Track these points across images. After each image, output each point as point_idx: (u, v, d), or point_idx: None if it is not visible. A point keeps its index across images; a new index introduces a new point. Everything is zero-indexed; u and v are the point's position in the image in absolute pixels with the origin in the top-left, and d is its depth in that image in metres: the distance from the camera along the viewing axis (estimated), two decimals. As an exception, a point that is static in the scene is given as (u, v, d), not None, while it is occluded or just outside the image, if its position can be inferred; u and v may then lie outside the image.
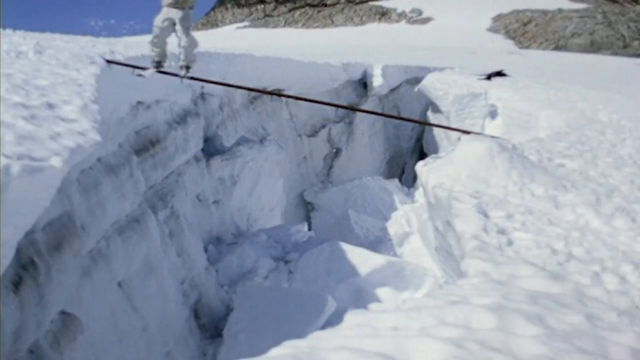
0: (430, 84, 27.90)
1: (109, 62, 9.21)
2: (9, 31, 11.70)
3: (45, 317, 5.22)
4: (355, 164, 29.74)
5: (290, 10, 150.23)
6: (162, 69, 10.65)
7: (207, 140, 14.83)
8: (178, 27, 10.33)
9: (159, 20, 10.51)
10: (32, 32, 11.93)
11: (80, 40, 11.54)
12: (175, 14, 10.39)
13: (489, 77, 27.54)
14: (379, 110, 32.10)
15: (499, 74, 28.44)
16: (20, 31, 11.81)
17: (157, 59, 10.63)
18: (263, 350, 3.91)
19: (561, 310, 4.64)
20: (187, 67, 10.39)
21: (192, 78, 10.47)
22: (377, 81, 31.70)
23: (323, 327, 9.54)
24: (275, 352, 3.86)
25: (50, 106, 5.76)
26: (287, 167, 19.99)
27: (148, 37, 10.57)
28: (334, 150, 28.93)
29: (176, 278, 10.32)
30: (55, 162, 4.49)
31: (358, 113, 30.40)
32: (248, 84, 13.69)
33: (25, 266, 4.90)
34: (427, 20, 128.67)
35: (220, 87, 15.35)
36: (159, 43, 10.62)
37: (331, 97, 27.41)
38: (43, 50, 8.65)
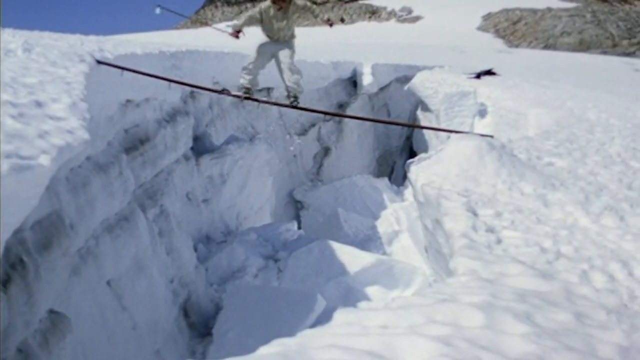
0: (420, 83, 27.92)
1: (99, 62, 9.18)
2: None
3: (34, 316, 5.20)
4: (345, 163, 29.73)
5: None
6: (249, 96, 10.72)
7: (196, 138, 14.82)
8: (281, 60, 10.36)
9: (258, 50, 10.55)
10: (20, 30, 11.86)
11: (69, 38, 11.48)
12: (276, 46, 10.43)
13: (478, 75, 27.59)
14: (368, 108, 32.12)
15: (489, 72, 28.49)
16: (9, 29, 11.75)
17: (247, 85, 10.65)
18: (252, 349, 3.91)
19: (550, 309, 4.66)
20: (295, 98, 10.39)
21: (295, 106, 10.52)
22: (366, 79, 31.69)
23: (313, 326, 9.54)
24: (264, 350, 3.86)
25: (39, 104, 5.73)
26: (277, 165, 19.95)
27: (141, 35, 10.57)
28: (324, 148, 28.90)
29: (165, 277, 10.31)
30: (44, 160, 4.48)
31: (348, 111, 30.36)
32: (237, 82, 13.67)
33: (14, 265, 4.89)
34: (417, 18, 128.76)
35: (211, 85, 15.35)
36: (253, 71, 10.64)
37: (321, 95, 27.42)
38: (31, 48, 8.61)
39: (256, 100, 11.36)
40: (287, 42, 10.67)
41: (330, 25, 10.60)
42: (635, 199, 8.59)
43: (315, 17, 10.65)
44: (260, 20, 10.69)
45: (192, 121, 14.05)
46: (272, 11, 10.43)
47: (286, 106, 11.40)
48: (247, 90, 10.82)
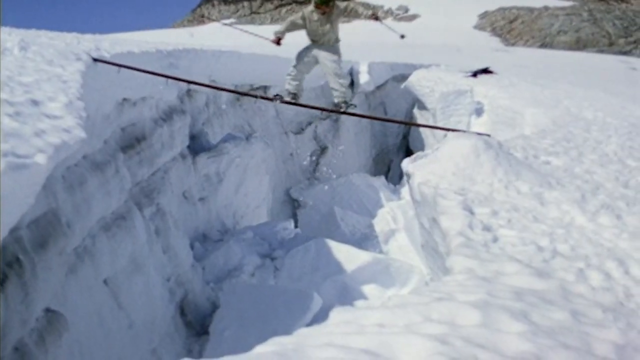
0: (417, 81, 27.93)
1: (95, 60, 9.17)
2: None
3: (30, 314, 5.20)
4: (342, 161, 29.71)
5: (276, 7, 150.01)
6: (296, 102, 10.66)
7: (193, 137, 14.80)
8: (326, 64, 10.28)
9: (301, 54, 10.48)
10: (17, 29, 11.85)
11: (66, 37, 11.48)
12: (321, 51, 10.35)
13: (475, 74, 27.59)
14: (365, 107, 32.09)
15: (485, 71, 28.50)
16: (5, 27, 11.74)
17: (293, 91, 10.58)
18: (249, 348, 3.91)
19: (546, 307, 4.67)
20: (346, 103, 10.31)
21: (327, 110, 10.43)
22: (363, 78, 31.67)
23: (309, 324, 9.56)
24: (260, 349, 3.86)
25: (35, 103, 5.73)
26: (274, 164, 19.95)
27: (136, 34, 10.56)
28: (320, 147, 28.90)
29: (162, 275, 10.30)
30: (40, 159, 4.48)
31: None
32: (234, 81, 13.69)
33: (10, 263, 4.88)
34: (414, 17, 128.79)
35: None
36: (298, 76, 10.58)
37: (317, 94, 27.39)
38: (28, 47, 8.60)
39: (303, 105, 11.26)
40: (332, 45, 10.52)
41: (376, 19, 10.44)
42: (631, 198, 8.60)
43: (359, 16, 10.54)
44: (304, 26, 10.60)
45: (189, 120, 14.04)
46: (315, 16, 10.32)
47: (333, 111, 11.28)
48: (294, 95, 10.70)
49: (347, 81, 10.38)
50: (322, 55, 10.38)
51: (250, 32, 11.95)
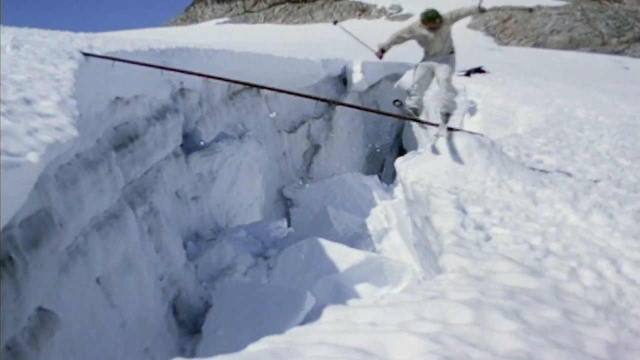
0: (410, 81, 27.93)
1: (86, 54, 9.15)
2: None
3: (22, 313, 5.19)
4: (335, 160, 29.72)
5: (270, 6, 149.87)
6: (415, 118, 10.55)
7: (186, 136, 14.79)
8: (438, 77, 10.17)
9: (418, 69, 10.40)
10: (9, 27, 11.82)
11: (58, 35, 11.47)
12: (435, 62, 10.23)
13: (468, 73, 27.66)
14: (358, 105, 32.15)
15: (479, 70, 28.57)
16: (-2, 26, 11.71)
17: (413, 106, 10.48)
18: (242, 346, 3.91)
19: (538, 306, 4.68)
20: (448, 115, 10.19)
21: (450, 129, 10.26)
22: (356, 77, 31.69)
23: (302, 323, 9.56)
24: (253, 348, 3.85)
25: (27, 101, 5.72)
26: (267, 163, 19.94)
27: (131, 32, 10.50)
28: (314, 146, 28.90)
29: (155, 274, 10.29)
30: (32, 157, 4.47)
31: (338, 109, 30.37)
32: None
33: (3, 262, 4.87)
34: (407, 16, 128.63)
35: (201, 83, 15.32)
36: (419, 92, 10.48)
37: (310, 93, 27.33)
38: (20, 45, 8.59)
39: (420, 121, 11.09)
40: (446, 57, 10.36)
41: (482, 11, 10.25)
42: (623, 197, 8.63)
43: (468, 15, 10.39)
44: (412, 39, 10.47)
45: (182, 118, 14.02)
46: (423, 30, 10.16)
47: (428, 124, 11.14)
48: (415, 110, 10.56)
49: (455, 94, 10.20)
50: (437, 66, 10.22)
51: (357, 37, 11.79)
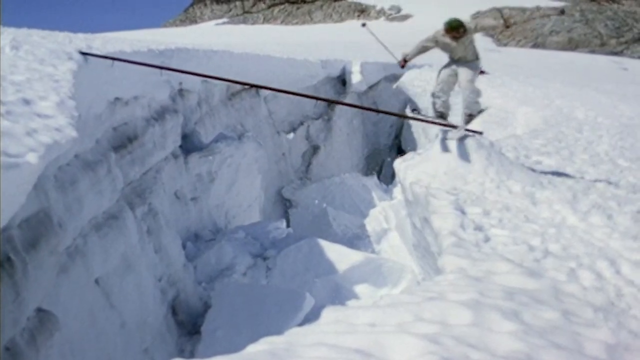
0: (409, 81, 27.93)
1: (83, 54, 9.14)
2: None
3: (21, 314, 5.19)
4: (334, 161, 29.71)
5: (269, 7, 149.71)
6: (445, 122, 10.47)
7: (185, 136, 14.78)
8: (460, 80, 10.11)
9: (442, 73, 10.35)
10: (8, 28, 11.81)
11: (57, 36, 11.46)
12: (458, 66, 10.16)
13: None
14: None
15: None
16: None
17: (440, 110, 10.43)
18: (241, 347, 3.91)
19: (537, 306, 4.68)
20: (470, 116, 10.11)
21: (469, 131, 10.18)
22: (355, 78, 31.67)
23: (301, 324, 9.56)
24: (252, 348, 3.86)
25: (27, 102, 5.72)
26: (266, 164, 19.93)
27: (130, 33, 10.48)
28: (313, 147, 28.90)
29: (154, 275, 10.29)
30: (31, 158, 4.47)
31: (337, 110, 30.37)
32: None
33: (2, 263, 4.87)
34: (406, 17, 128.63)
35: (200, 83, 15.32)
36: (443, 95, 10.42)
37: (309, 94, 27.39)
38: (19, 46, 8.58)
39: (436, 123, 11.01)
40: (470, 62, 10.31)
41: (507, 26, 10.17)
42: (622, 197, 8.64)
43: (492, 29, 10.31)
44: (436, 47, 10.42)
45: (181, 119, 14.01)
46: (447, 40, 10.11)
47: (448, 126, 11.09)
48: (441, 114, 10.50)
49: (478, 96, 10.13)
50: (460, 70, 10.15)
51: (382, 42, 11.73)
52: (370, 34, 12.15)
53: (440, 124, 10.50)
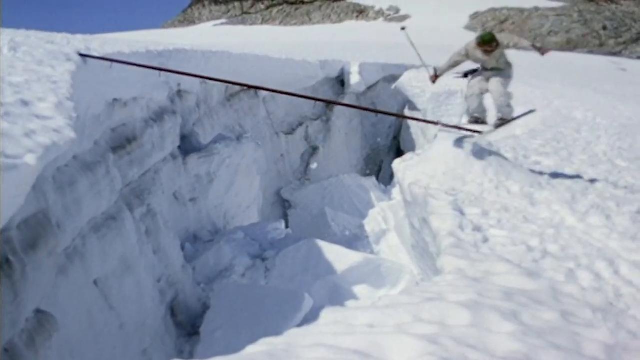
0: (407, 82, 27.93)
1: (82, 55, 9.13)
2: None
3: (20, 315, 5.19)
4: (333, 162, 29.72)
5: (267, 8, 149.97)
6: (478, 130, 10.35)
7: (183, 137, 14.77)
8: (491, 87, 10.02)
9: (473, 80, 10.27)
10: (6, 29, 11.80)
11: (56, 37, 11.44)
12: (491, 73, 10.07)
13: (465, 75, 27.57)
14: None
15: (476, 71, 28.52)
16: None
17: (476, 115, 10.35)
18: (240, 348, 3.91)
19: (536, 307, 4.68)
20: (502, 120, 9.99)
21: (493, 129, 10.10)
22: (354, 79, 31.70)
23: (300, 325, 9.56)
24: (251, 349, 3.86)
25: (25, 103, 5.72)
26: (264, 164, 19.93)
27: (128, 34, 10.46)
28: (311, 147, 28.90)
29: (153, 276, 10.28)
30: (30, 159, 4.47)
31: (335, 110, 30.39)
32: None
33: (0, 264, 4.87)
34: (404, 18, 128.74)
35: (198, 84, 15.31)
36: (477, 99, 10.33)
37: (308, 94, 27.38)
38: (17, 47, 8.57)
39: (458, 128, 10.89)
40: (503, 70, 10.20)
41: (542, 53, 9.99)
42: (621, 198, 8.65)
43: (524, 49, 10.18)
44: (468, 60, 10.33)
45: (180, 120, 14.01)
46: (478, 53, 10.01)
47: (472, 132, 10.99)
48: (477, 119, 10.41)
49: (509, 98, 10.02)
50: (493, 77, 10.05)
51: (418, 52, 11.63)
52: (407, 39, 12.05)
53: (465, 130, 10.42)
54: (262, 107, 23.83)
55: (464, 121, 10.40)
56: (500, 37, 9.94)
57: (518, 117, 10.28)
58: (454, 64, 10.47)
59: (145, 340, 9.33)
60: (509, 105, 9.95)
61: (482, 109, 10.35)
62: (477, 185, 8.74)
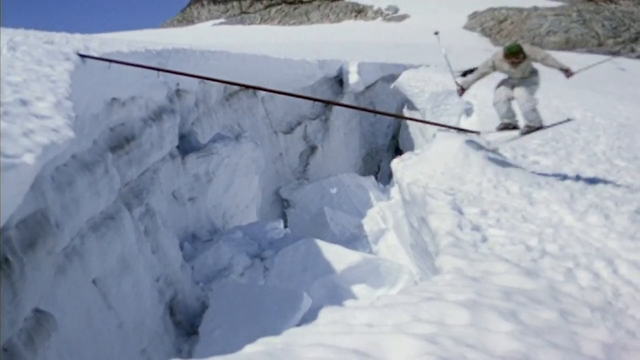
0: (406, 81, 27.93)
1: (81, 55, 9.12)
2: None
3: (19, 315, 5.18)
4: (331, 161, 29.73)
5: (266, 7, 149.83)
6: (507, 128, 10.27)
7: (182, 137, 14.78)
8: (517, 95, 9.93)
9: (500, 88, 10.20)
10: (5, 28, 11.79)
11: (54, 37, 11.43)
12: (518, 81, 9.99)
13: (464, 74, 27.60)
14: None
15: (473, 71, 28.49)
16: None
17: (508, 121, 10.27)
18: (238, 347, 3.91)
19: (535, 306, 4.68)
20: (529, 127, 9.89)
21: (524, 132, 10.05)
22: (353, 78, 31.71)
23: (298, 324, 9.56)
24: (250, 349, 3.85)
25: (24, 103, 5.71)
26: (263, 164, 19.92)
27: (127, 33, 10.45)
28: (310, 147, 28.90)
29: (151, 275, 10.28)
30: (29, 159, 4.47)
31: (334, 110, 30.39)
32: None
33: (-1, 264, 4.87)
34: (403, 17, 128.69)
35: (197, 84, 15.31)
36: (504, 105, 10.24)
37: (307, 94, 27.38)
38: (16, 47, 8.56)
39: (466, 131, 10.79)
40: (529, 79, 10.10)
41: (568, 76, 9.85)
42: (620, 197, 8.65)
43: (551, 67, 10.05)
44: (495, 71, 10.25)
45: (178, 119, 14.01)
46: (505, 65, 9.95)
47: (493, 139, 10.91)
48: (508, 125, 10.33)
49: (535, 103, 9.91)
50: (518, 85, 9.95)
51: (447, 57, 11.58)
52: (438, 43, 12.02)
53: (464, 130, 10.36)
54: (261, 107, 23.84)
55: (472, 123, 10.38)
56: (528, 49, 9.84)
57: (552, 125, 10.24)
58: (481, 76, 10.43)
59: (144, 339, 9.32)
60: (534, 110, 9.85)
61: (512, 114, 10.24)
62: (476, 185, 8.73)
